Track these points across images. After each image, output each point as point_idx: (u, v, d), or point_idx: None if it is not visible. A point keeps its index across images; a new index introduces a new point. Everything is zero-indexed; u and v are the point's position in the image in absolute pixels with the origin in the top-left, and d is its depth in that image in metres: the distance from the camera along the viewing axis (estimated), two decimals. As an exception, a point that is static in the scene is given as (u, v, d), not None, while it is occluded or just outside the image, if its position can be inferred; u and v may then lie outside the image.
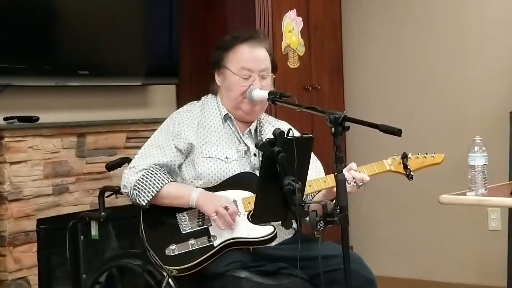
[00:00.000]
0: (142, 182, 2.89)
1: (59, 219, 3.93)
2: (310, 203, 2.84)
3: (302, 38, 4.88)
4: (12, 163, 3.79)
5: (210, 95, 3.12)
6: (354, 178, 2.80)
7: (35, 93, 4.07)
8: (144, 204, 2.89)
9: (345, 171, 2.79)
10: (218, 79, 3.07)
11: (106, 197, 3.60)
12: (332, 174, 2.87)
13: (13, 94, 3.95)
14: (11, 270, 3.77)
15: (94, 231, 3.64)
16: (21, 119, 3.86)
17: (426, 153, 2.96)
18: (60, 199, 4.02)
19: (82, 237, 3.56)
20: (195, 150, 2.94)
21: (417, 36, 5.10)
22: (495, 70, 4.78)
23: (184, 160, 2.97)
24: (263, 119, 3.12)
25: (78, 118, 4.20)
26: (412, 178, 2.90)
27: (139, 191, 2.89)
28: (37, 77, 3.97)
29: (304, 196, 2.67)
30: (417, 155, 2.94)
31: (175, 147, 2.96)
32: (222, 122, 3.03)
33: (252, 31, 3.15)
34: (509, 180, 4.08)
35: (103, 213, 3.46)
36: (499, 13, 4.79)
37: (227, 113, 3.03)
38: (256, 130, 3.07)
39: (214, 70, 3.08)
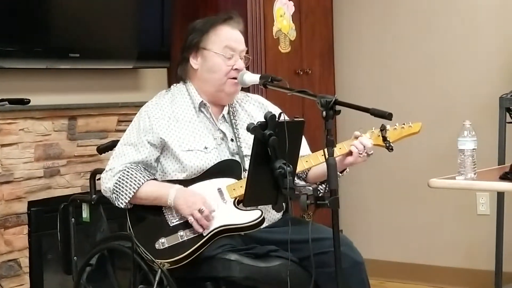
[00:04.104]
0: (119, 185, 2.89)
1: (50, 202, 3.94)
2: (304, 186, 2.85)
3: (293, 22, 4.88)
4: (3, 145, 3.79)
5: (180, 83, 3.09)
6: (365, 148, 2.84)
7: (26, 76, 4.06)
8: (123, 206, 2.90)
9: (352, 143, 2.84)
10: (194, 63, 3.03)
11: (97, 179, 3.59)
12: (316, 153, 2.90)
13: (4, 77, 3.94)
14: (2, 252, 3.78)
15: (85, 214, 3.63)
16: (12, 101, 3.85)
17: (404, 123, 2.95)
18: (51, 182, 4.02)
19: (73, 219, 3.56)
20: (170, 145, 2.92)
21: (408, 21, 5.10)
22: (485, 55, 4.79)
23: (161, 154, 2.96)
24: (235, 101, 3.10)
25: (69, 101, 4.19)
26: (392, 149, 2.88)
27: (117, 194, 2.90)
28: (28, 60, 3.96)
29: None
30: (395, 126, 2.93)
31: (148, 143, 2.94)
32: (196, 111, 3.00)
33: (229, 13, 3.09)
34: (498, 165, 4.09)
35: (94, 195, 3.45)
36: (490, -1, 4.80)
37: (202, 101, 3.00)
38: (229, 113, 3.05)
39: (190, 53, 3.04)
